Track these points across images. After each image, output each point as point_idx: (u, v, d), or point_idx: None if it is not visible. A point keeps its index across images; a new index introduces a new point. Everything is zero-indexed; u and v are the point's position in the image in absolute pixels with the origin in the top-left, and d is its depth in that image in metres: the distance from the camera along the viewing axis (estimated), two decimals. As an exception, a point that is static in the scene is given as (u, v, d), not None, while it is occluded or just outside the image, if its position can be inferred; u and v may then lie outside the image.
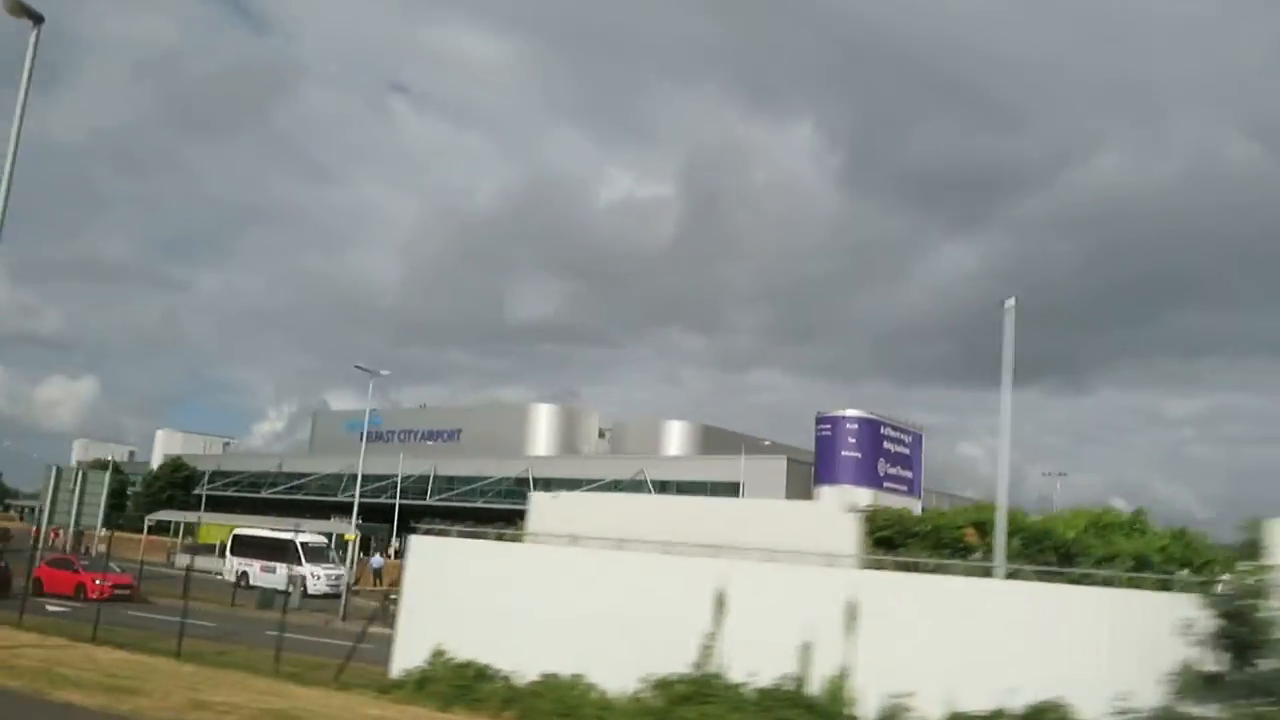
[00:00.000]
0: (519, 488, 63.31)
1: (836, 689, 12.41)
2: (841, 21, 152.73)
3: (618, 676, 13.78)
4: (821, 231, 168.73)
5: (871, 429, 59.25)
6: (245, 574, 43.54)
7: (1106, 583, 12.74)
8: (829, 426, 59.16)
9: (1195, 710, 10.20)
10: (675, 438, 73.61)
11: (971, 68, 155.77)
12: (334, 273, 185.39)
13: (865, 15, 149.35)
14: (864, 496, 55.79)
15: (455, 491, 68.97)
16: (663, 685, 13.37)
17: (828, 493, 56.94)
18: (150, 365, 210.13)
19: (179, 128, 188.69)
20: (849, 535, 13.32)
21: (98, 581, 34.51)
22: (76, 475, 33.03)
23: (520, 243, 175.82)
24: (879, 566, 13.21)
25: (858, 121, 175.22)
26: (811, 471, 59.78)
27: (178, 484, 74.39)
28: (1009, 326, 16.12)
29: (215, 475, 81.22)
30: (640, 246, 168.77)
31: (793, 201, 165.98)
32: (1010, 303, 16.54)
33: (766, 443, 67.42)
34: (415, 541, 16.56)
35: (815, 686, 12.57)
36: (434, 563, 16.24)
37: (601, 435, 76.99)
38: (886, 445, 60.25)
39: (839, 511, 14.34)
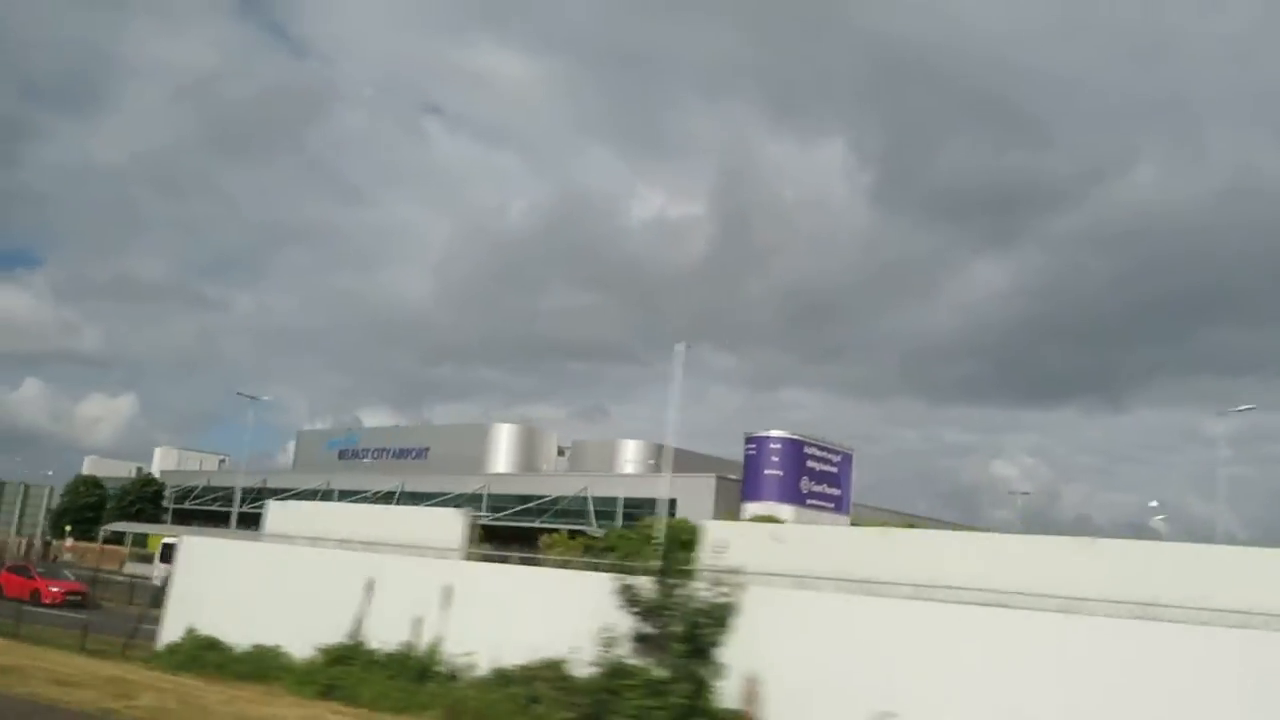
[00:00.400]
0: (472, 503, 67.45)
1: (434, 651, 16.24)
2: (872, 38, 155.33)
3: (303, 646, 17.68)
4: (851, 249, 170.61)
5: (795, 449, 62.54)
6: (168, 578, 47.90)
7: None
8: (755, 446, 62.57)
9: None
10: (630, 455, 77.32)
11: (1003, 84, 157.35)
12: (366, 292, 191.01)
13: (895, 32, 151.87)
14: (786, 512, 59.34)
15: (419, 506, 73.18)
16: (326, 651, 17.27)
17: (752, 508, 60.36)
18: (187, 383, 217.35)
19: (217, 151, 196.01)
20: (457, 533, 17.17)
21: (53, 589, 38.65)
22: (20, 490, 37.66)
23: (551, 261, 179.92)
24: (472, 558, 17.07)
25: (888, 138, 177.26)
26: (739, 488, 63.18)
27: (147, 498, 79.17)
28: (678, 367, 19.82)
29: (205, 491, 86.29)
30: (670, 264, 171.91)
31: (823, 219, 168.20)
32: (680, 347, 20.30)
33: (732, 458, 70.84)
34: (184, 540, 20.66)
35: (421, 649, 16.41)
36: (195, 558, 20.30)
37: (561, 453, 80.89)
38: (811, 464, 63.46)
39: (451, 515, 18.18)
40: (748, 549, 14.65)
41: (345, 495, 76.02)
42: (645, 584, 13.92)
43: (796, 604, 13.09)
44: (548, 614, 15.15)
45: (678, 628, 13.42)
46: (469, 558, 16.63)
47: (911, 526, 42.35)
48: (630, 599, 13.62)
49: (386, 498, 74.29)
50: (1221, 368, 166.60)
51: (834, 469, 65.78)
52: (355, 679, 16.09)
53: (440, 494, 72.93)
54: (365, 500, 75.12)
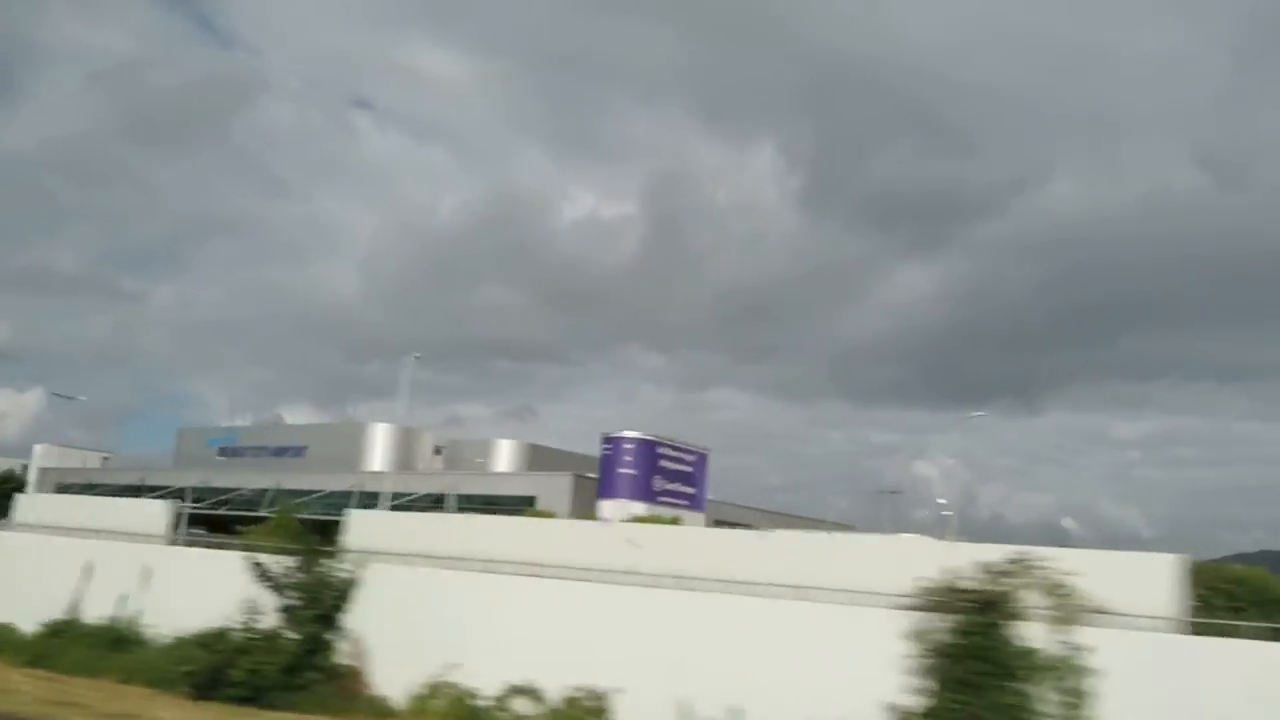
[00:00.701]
0: (344, 500, 69.27)
1: (132, 623, 18.72)
2: (805, 46, 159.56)
3: (32, 623, 20.06)
4: (783, 252, 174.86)
5: (648, 449, 65.72)
6: None
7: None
8: (610, 446, 65.63)
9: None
10: (504, 456, 79.79)
11: (931, 95, 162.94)
12: (293, 287, 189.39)
13: (829, 42, 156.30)
14: (639, 509, 62.56)
15: (291, 504, 74.70)
16: (46, 626, 19.64)
17: (607, 506, 63.39)
18: (102, 377, 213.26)
19: (138, 139, 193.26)
20: (163, 522, 19.69)
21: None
22: None
23: (482, 259, 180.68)
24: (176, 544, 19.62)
25: (819, 144, 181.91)
26: (596, 486, 66.09)
27: (5, 495, 78.92)
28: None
29: (86, 489, 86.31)
30: (602, 265, 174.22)
31: (754, 222, 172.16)
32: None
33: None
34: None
35: (123, 622, 18.87)
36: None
37: (438, 452, 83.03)
38: (664, 464, 66.72)
39: (159, 506, 20.74)
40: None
41: (221, 492, 77.20)
42: (279, 563, 16.59)
43: (398, 578, 15.89)
44: (220, 589, 17.74)
45: (307, 599, 16.12)
46: (172, 543, 19.11)
47: (744, 525, 45.89)
48: (263, 576, 16.26)
49: (261, 495, 75.67)
50: (1133, 373, 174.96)
51: (689, 468, 69.17)
52: (61, 649, 18.52)
53: (314, 491, 74.54)
54: (241, 497, 76.57)
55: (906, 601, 14.28)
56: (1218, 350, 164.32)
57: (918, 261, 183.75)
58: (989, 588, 13.30)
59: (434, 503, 70.07)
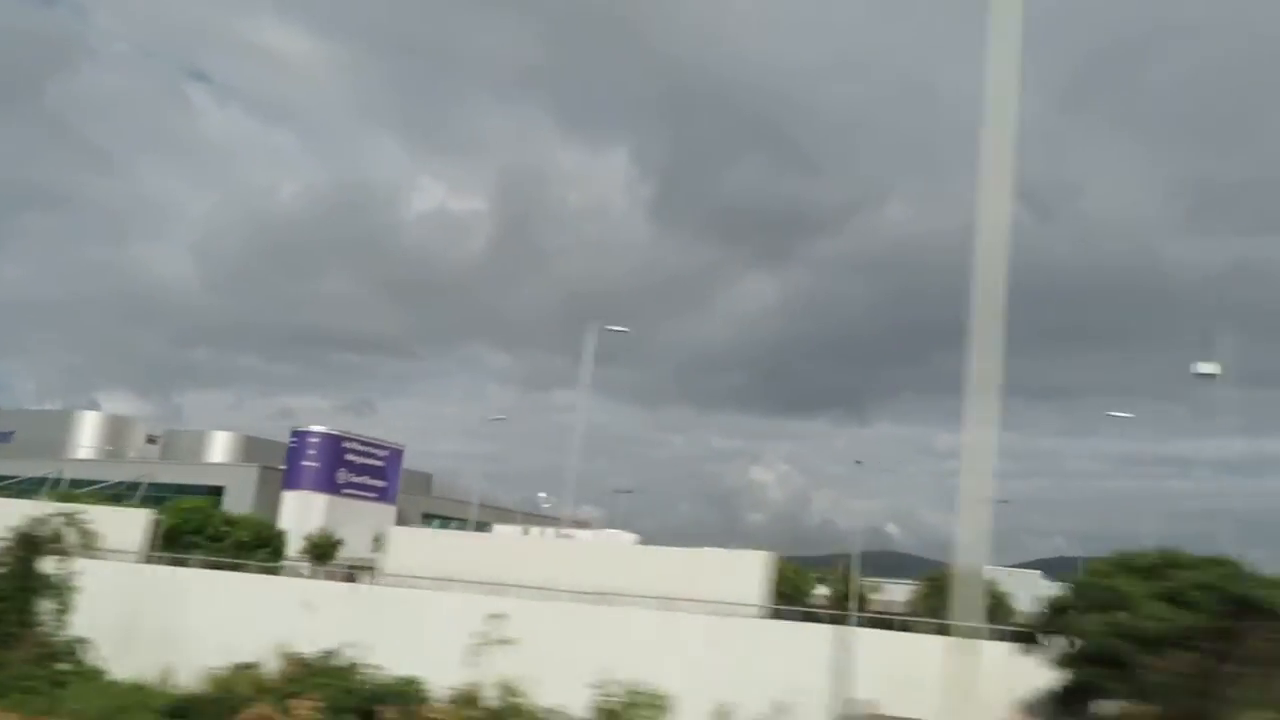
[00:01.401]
0: (39, 486, 70.64)
1: None
2: (662, 59, 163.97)
3: None
4: (632, 258, 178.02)
5: (333, 443, 70.04)
6: None
7: None
8: (297, 440, 69.67)
9: None
10: (220, 447, 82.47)
11: (778, 116, 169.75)
12: (116, 266, 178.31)
13: (686, 58, 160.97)
14: (320, 500, 67.13)
15: (-11, 488, 75.23)
16: None
17: (290, 497, 67.48)
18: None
19: None
20: None
21: None
22: None
23: (324, 248, 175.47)
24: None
25: (672, 155, 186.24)
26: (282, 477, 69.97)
27: None
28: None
29: None
30: (449, 259, 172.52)
31: (605, 226, 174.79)
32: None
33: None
34: None
35: None
36: None
37: (153, 441, 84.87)
38: (350, 458, 71.16)
39: None
40: None
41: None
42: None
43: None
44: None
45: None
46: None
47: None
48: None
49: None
50: (953, 389, 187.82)
51: (380, 463, 73.83)
52: None
53: (15, 477, 75.34)
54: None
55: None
56: (1027, 371, 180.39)
57: (762, 274, 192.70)
58: (32, 531, 19.29)
59: (128, 489, 72.33)
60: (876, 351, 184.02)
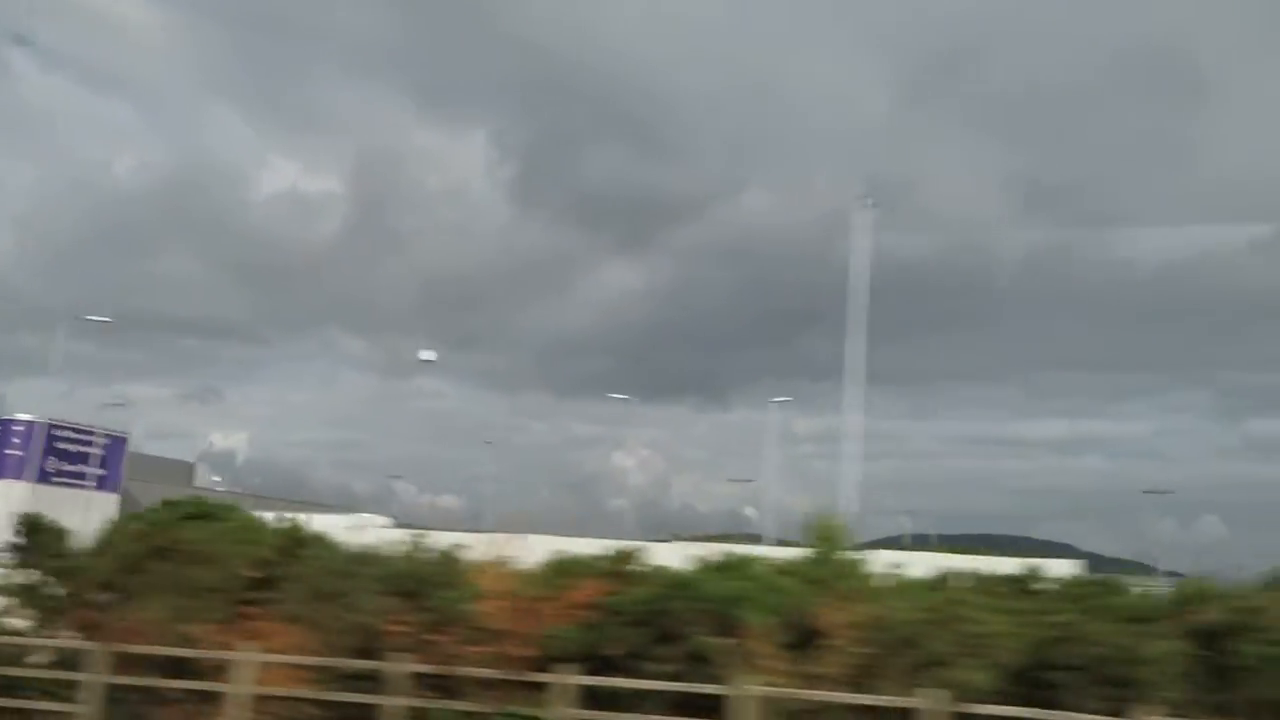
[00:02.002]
0: None
1: None
2: (522, 40, 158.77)
3: None
4: (491, 242, 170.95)
5: (41, 431, 67.30)
6: None
7: None
8: (1, 428, 66.62)
9: None
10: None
11: (636, 102, 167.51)
12: None
13: (545, 39, 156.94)
14: (22, 487, 64.35)
15: None
16: None
17: (-9, 484, 64.39)
18: None
19: None
20: None
21: None
22: None
23: (164, 226, 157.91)
24: None
25: (531, 138, 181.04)
26: (-19, 468, 66.61)
27: None
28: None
29: None
30: (301, 241, 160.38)
31: (464, 210, 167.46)
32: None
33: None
34: None
35: None
36: None
37: None
38: (61, 446, 68.41)
39: None
40: None
41: None
42: None
43: None
44: None
45: None
46: None
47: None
48: None
49: None
50: (807, 374, 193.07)
51: (100, 451, 71.37)
52: None
53: None
54: None
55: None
56: (873, 357, 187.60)
57: (624, 259, 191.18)
58: None
59: None
60: (736, 337, 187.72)
